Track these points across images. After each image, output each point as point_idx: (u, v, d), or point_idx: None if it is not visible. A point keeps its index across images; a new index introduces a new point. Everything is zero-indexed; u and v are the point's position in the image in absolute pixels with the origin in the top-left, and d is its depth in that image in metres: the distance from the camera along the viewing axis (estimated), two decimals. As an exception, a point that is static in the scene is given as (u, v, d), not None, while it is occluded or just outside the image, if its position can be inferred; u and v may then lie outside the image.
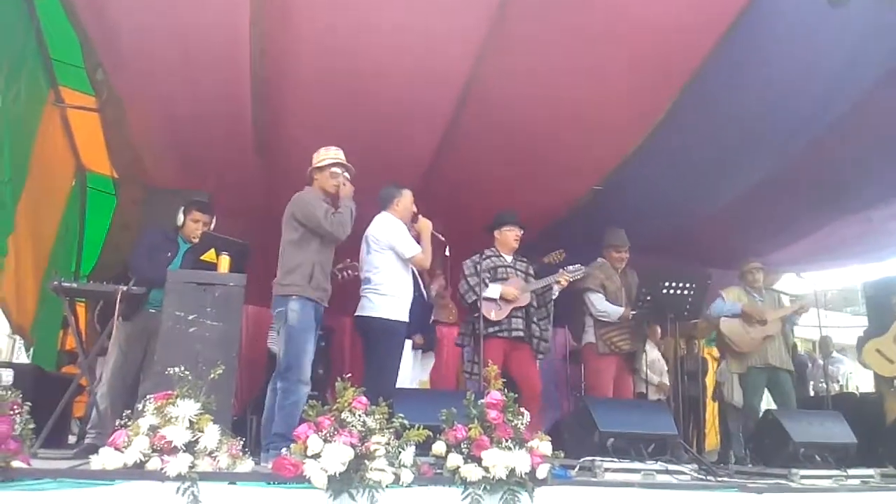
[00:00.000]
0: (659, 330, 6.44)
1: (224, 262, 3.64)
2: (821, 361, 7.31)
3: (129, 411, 2.78)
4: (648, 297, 4.97)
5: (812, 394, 7.80)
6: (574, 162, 5.47)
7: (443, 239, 4.63)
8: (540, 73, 4.54)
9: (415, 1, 3.99)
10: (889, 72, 4.70)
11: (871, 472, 4.20)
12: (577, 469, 3.55)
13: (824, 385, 6.49)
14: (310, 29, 4.13)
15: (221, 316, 3.39)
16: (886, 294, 6.41)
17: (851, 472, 4.12)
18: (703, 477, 3.78)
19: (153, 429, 2.59)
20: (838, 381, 6.71)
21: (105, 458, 2.55)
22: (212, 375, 2.74)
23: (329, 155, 3.96)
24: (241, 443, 2.79)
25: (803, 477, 3.95)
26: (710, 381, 7.71)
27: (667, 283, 4.91)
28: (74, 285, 4.22)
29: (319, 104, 4.69)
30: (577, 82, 4.62)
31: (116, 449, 2.56)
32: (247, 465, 2.75)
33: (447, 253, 4.81)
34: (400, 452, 2.83)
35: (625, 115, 5.00)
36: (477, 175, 5.51)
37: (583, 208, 6.14)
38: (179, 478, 2.48)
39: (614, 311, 5.14)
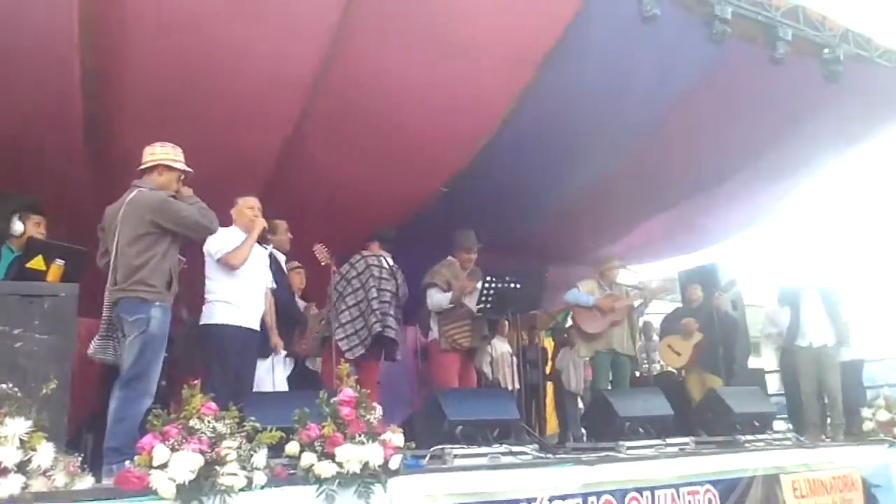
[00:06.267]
0: (507, 324, 6.78)
1: (55, 270, 3.41)
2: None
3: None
4: (492, 294, 5.22)
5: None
6: (422, 163, 5.64)
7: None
8: (388, 76, 4.66)
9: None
10: (695, 82, 5.31)
11: (686, 439, 4.73)
12: (428, 458, 3.69)
13: (647, 366, 7.17)
14: (144, 24, 3.98)
15: (51, 329, 3.17)
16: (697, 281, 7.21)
17: (670, 440, 4.61)
18: (543, 455, 4.07)
19: (-22, 451, 2.41)
20: (659, 362, 7.43)
21: (-75, 487, 2.34)
22: (44, 390, 2.59)
23: (179, 157, 3.71)
24: (80, 459, 2.66)
25: (629, 448, 4.36)
26: (548, 369, 8.23)
27: (507, 279, 5.15)
28: None
29: (156, 104, 4.50)
30: (422, 86, 4.79)
31: (-62, 475, 2.36)
32: (86, 481, 2.62)
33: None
34: (252, 455, 2.81)
35: (469, 120, 5.25)
36: (327, 174, 5.53)
37: (431, 210, 6.33)
38: (12, 500, 2.33)
39: (444, 299, 5.29)
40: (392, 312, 5.22)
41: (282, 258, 4.98)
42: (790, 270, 6.60)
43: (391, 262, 5.39)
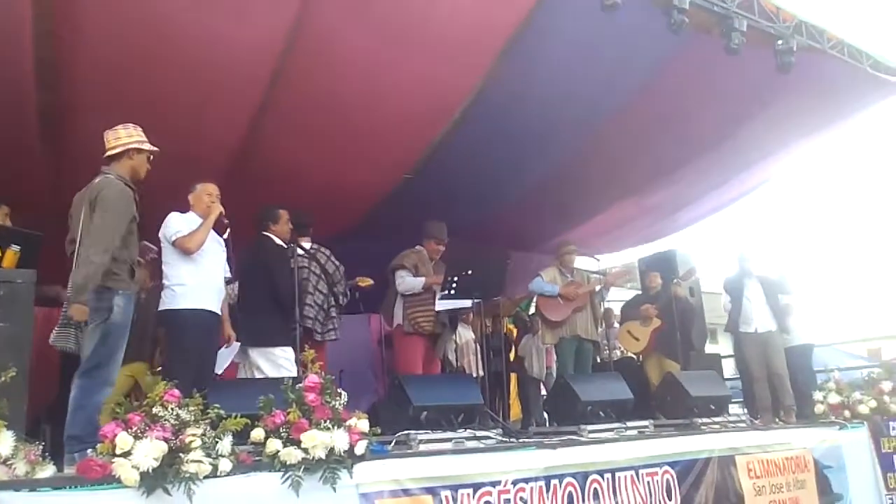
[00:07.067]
0: (471, 312, 6.83)
1: (10, 256, 3.32)
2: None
3: None
4: (455, 283, 5.24)
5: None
6: (384, 150, 5.64)
7: None
8: (349, 63, 4.65)
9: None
10: (655, 71, 5.40)
11: (645, 423, 4.84)
12: (393, 443, 3.72)
13: (608, 352, 7.30)
14: (99, 10, 3.90)
15: (7, 316, 3.14)
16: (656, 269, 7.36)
17: (630, 423, 4.72)
18: (507, 440, 4.13)
19: (-65, 440, 2.37)
20: (619, 348, 7.57)
21: None
22: (2, 378, 2.55)
23: (143, 137, 3.64)
24: (41, 448, 2.62)
25: (590, 431, 4.46)
26: (512, 356, 8.31)
27: (470, 267, 5.18)
28: None
29: (113, 92, 4.41)
30: (383, 74, 4.79)
31: None
32: (48, 470, 2.59)
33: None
34: (217, 442, 2.81)
35: (431, 105, 5.26)
36: (287, 164, 5.49)
37: (394, 197, 6.33)
38: (-30, 490, 2.30)
39: (417, 283, 5.37)
40: (308, 301, 5.07)
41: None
42: (733, 260, 6.77)
43: (308, 246, 5.21)
